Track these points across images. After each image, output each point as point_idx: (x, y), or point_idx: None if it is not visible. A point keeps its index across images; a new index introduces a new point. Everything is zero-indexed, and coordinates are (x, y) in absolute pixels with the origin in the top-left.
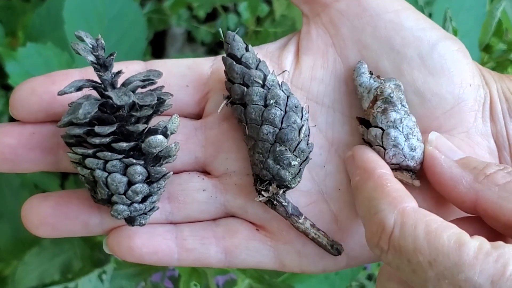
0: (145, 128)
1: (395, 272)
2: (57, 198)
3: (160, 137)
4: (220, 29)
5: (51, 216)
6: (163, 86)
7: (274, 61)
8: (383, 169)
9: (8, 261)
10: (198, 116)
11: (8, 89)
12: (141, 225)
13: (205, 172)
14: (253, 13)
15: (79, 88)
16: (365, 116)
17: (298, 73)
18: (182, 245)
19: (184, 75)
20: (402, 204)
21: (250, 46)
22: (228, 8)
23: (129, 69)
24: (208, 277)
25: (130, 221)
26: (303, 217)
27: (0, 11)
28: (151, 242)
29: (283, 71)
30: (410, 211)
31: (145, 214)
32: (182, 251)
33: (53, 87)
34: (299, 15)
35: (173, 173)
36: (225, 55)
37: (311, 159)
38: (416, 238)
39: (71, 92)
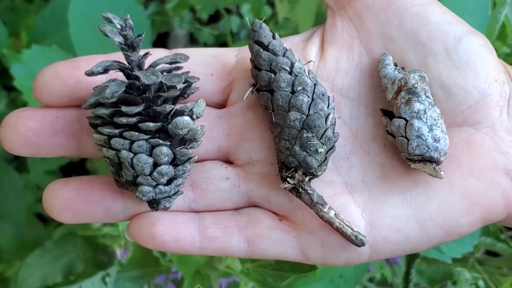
0: (172, 109)
1: None
2: (80, 183)
3: (187, 118)
4: (246, 17)
5: (73, 201)
6: (189, 72)
7: (298, 52)
8: None
9: (11, 262)
10: (222, 105)
11: (11, 90)
12: (166, 208)
13: (229, 161)
14: (256, 15)
15: (106, 69)
16: (389, 108)
17: (323, 65)
18: (204, 233)
19: (209, 64)
20: None
21: (277, 35)
22: (231, 10)
23: (154, 56)
24: (212, 280)
25: (155, 203)
26: (328, 206)
27: (3, 12)
28: (173, 230)
29: (309, 62)
30: None
31: (170, 197)
32: (204, 240)
33: (77, 71)
34: (302, 18)
35: (197, 162)
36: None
37: (335, 150)
38: None
39: (98, 72)
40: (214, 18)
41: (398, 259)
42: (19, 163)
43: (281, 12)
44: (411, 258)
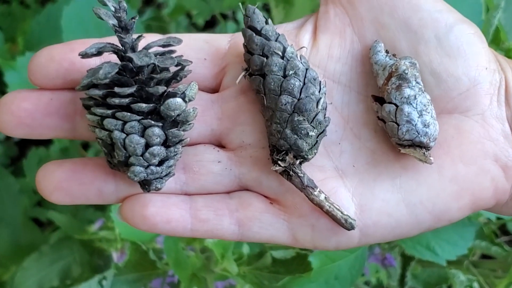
0: (165, 90)
1: None
2: (73, 165)
3: (179, 100)
4: (240, 4)
5: (65, 182)
6: (182, 55)
7: (291, 39)
8: None
9: (7, 267)
10: (214, 90)
11: None
12: (157, 189)
13: (221, 145)
14: None
15: (100, 51)
16: (380, 94)
17: (316, 52)
18: (196, 215)
19: (202, 48)
20: None
21: (269, 20)
22: (227, 16)
23: (147, 39)
24: (208, 283)
25: (146, 184)
26: (318, 189)
27: (0, 17)
28: (165, 211)
29: (301, 47)
30: None
31: (161, 178)
32: (195, 222)
33: (71, 54)
34: None
35: (189, 145)
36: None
37: (326, 135)
38: None
39: (92, 53)
40: (210, 23)
41: (393, 261)
42: (15, 167)
43: (276, 17)
44: (406, 261)
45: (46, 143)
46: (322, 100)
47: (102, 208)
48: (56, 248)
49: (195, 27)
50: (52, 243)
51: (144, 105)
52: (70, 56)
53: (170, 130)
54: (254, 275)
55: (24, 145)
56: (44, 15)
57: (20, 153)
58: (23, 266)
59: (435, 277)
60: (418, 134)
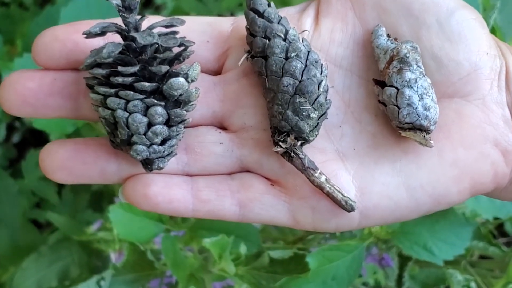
0: (168, 70)
1: None
2: (75, 144)
3: (181, 79)
4: None
5: (68, 161)
6: (185, 37)
7: (293, 23)
8: None
9: (6, 267)
10: (217, 73)
11: None
12: (159, 168)
13: (223, 127)
14: None
15: (104, 31)
16: (381, 77)
17: (317, 36)
18: (197, 195)
19: (205, 31)
20: None
21: (272, 3)
22: None
23: (151, 20)
24: (206, 283)
25: (148, 163)
26: (319, 171)
27: None
28: (167, 191)
29: (303, 31)
30: None
31: (163, 157)
32: (197, 202)
33: (75, 34)
34: None
35: (191, 127)
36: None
37: (327, 118)
38: None
39: (95, 33)
40: None
41: (391, 261)
42: (14, 169)
43: None
44: (403, 261)
45: (45, 145)
46: (323, 83)
47: (100, 209)
48: (54, 249)
49: None
50: (51, 244)
51: (147, 84)
52: (74, 37)
53: (173, 110)
54: (251, 275)
55: (23, 147)
56: (43, 17)
57: (19, 155)
58: (22, 267)
59: (433, 278)
60: (419, 117)
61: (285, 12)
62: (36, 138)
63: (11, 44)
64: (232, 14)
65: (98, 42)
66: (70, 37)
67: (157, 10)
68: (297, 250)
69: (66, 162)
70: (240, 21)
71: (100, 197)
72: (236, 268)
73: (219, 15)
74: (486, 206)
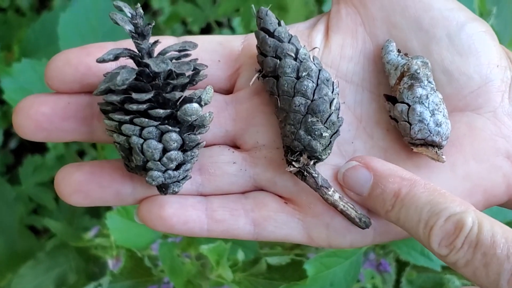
0: (181, 96)
1: (461, 270)
2: (91, 167)
3: (195, 105)
4: (252, 5)
5: (84, 184)
6: (197, 59)
7: (304, 39)
8: (415, 176)
9: (3, 274)
10: (228, 91)
11: (3, 102)
12: (174, 192)
13: (235, 146)
14: (246, 28)
15: (117, 56)
16: (392, 93)
17: (328, 52)
18: (212, 216)
19: (216, 50)
20: (471, 206)
21: (282, 22)
22: (222, 23)
23: (163, 43)
24: None
25: (164, 188)
26: (332, 189)
27: None
28: (182, 212)
29: (314, 48)
30: (480, 213)
31: (178, 182)
32: (211, 222)
33: (88, 58)
34: None
35: (204, 146)
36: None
37: (339, 135)
38: (495, 234)
39: (109, 60)
40: (205, 31)
41: (388, 267)
42: (11, 175)
43: None
44: (401, 266)
45: (42, 151)
46: (335, 101)
47: (97, 216)
48: (52, 255)
49: (190, 35)
50: (48, 251)
51: (161, 111)
52: (87, 60)
53: (187, 135)
54: (249, 281)
55: (20, 153)
56: (39, 22)
57: (16, 161)
58: (19, 273)
59: (430, 283)
60: (431, 133)
61: (295, 28)
62: (33, 144)
63: (8, 50)
64: (228, 20)
65: (110, 65)
66: (83, 61)
67: (154, 16)
68: (294, 257)
69: (82, 186)
70: (250, 39)
71: None
72: (234, 275)
73: (216, 20)
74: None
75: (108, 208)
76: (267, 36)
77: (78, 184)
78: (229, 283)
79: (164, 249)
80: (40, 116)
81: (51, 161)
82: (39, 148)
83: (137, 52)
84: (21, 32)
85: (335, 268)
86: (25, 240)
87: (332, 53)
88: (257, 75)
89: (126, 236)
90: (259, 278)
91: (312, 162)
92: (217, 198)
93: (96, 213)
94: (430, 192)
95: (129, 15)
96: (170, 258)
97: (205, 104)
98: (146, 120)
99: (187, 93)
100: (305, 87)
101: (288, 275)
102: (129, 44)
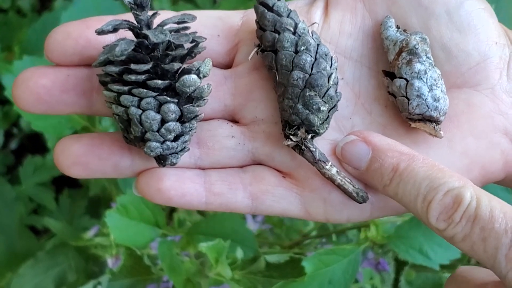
0: (180, 67)
1: (459, 244)
2: (90, 139)
3: (194, 76)
4: None
5: (83, 156)
6: (196, 32)
7: (303, 15)
8: (414, 151)
9: (3, 273)
10: (228, 66)
11: (4, 103)
12: (173, 164)
13: (234, 120)
14: None
15: (116, 28)
16: (391, 69)
17: (327, 27)
18: (210, 189)
19: (215, 25)
20: (469, 181)
21: None
22: None
23: (162, 16)
24: None
25: (162, 159)
26: (330, 163)
27: None
28: (180, 185)
29: (313, 23)
30: (478, 188)
31: (177, 153)
32: (210, 195)
33: (87, 31)
34: None
35: (203, 120)
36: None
37: (337, 110)
38: (493, 208)
39: (108, 31)
40: None
41: (387, 266)
42: (12, 176)
43: None
44: (399, 266)
45: (42, 151)
46: (333, 75)
47: (97, 216)
48: (51, 254)
49: None
50: (48, 250)
51: (159, 81)
52: (86, 33)
53: (185, 106)
54: (248, 279)
55: (21, 153)
56: (40, 23)
57: (17, 161)
58: (19, 272)
59: (430, 283)
60: (428, 108)
61: (294, 4)
62: (34, 145)
63: (8, 51)
64: None
65: (110, 38)
66: (83, 34)
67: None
68: (293, 255)
69: (81, 158)
70: (250, 15)
71: (97, 204)
72: (233, 273)
73: None
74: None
75: (108, 208)
76: (266, 11)
77: (77, 156)
78: (228, 281)
79: (164, 247)
80: (40, 89)
81: (51, 161)
82: (40, 148)
83: (136, 24)
84: (22, 33)
85: (334, 266)
86: (25, 240)
87: (331, 29)
88: (256, 49)
89: (125, 235)
90: (258, 276)
91: (309, 136)
92: (215, 171)
93: (96, 213)
94: (428, 167)
95: None
96: (169, 257)
97: (204, 76)
98: (145, 90)
99: (186, 65)
100: (304, 61)
101: (287, 273)
102: (129, 17)
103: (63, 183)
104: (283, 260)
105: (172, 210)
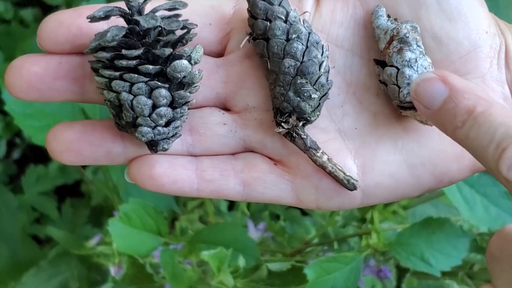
0: (171, 52)
1: None
2: (82, 126)
3: (185, 61)
4: None
5: (75, 143)
6: (187, 19)
7: (294, 4)
8: (493, 98)
9: (6, 282)
10: (219, 55)
11: (6, 114)
12: (164, 150)
13: (226, 108)
14: None
15: (107, 15)
16: (382, 57)
17: (318, 16)
18: (202, 176)
19: (207, 14)
20: None
21: None
22: None
23: (153, 4)
24: None
25: (154, 145)
26: (321, 151)
27: None
28: (171, 172)
29: (304, 12)
30: None
31: (168, 139)
32: (201, 182)
33: (79, 19)
34: None
35: (195, 108)
36: None
37: (329, 98)
38: None
39: (99, 17)
40: None
41: (388, 273)
42: (14, 185)
43: None
44: (401, 273)
45: (45, 161)
46: (324, 63)
47: (99, 225)
48: (54, 263)
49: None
50: (50, 259)
51: (151, 67)
52: (78, 21)
53: (177, 92)
54: (250, 287)
55: (23, 163)
56: None
57: (19, 171)
58: (22, 281)
59: None
60: None
61: None
62: (36, 155)
63: (11, 61)
64: None
65: (102, 26)
66: (74, 22)
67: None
68: (295, 263)
69: (73, 144)
70: (242, 3)
71: (99, 213)
72: (235, 281)
73: None
74: (482, 216)
75: (111, 217)
76: None
77: (70, 143)
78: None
79: (166, 256)
80: (33, 76)
81: (54, 171)
82: (42, 158)
83: (128, 10)
84: (24, 44)
85: (335, 274)
86: (28, 249)
87: (322, 17)
88: (247, 37)
89: (128, 243)
90: (260, 284)
91: (301, 124)
92: (207, 158)
93: (98, 222)
94: (507, 114)
95: None
96: (171, 265)
97: (195, 62)
98: (136, 76)
99: (177, 51)
100: (295, 49)
101: (289, 281)
102: (122, 5)
103: (66, 193)
104: (285, 268)
105: (174, 219)
